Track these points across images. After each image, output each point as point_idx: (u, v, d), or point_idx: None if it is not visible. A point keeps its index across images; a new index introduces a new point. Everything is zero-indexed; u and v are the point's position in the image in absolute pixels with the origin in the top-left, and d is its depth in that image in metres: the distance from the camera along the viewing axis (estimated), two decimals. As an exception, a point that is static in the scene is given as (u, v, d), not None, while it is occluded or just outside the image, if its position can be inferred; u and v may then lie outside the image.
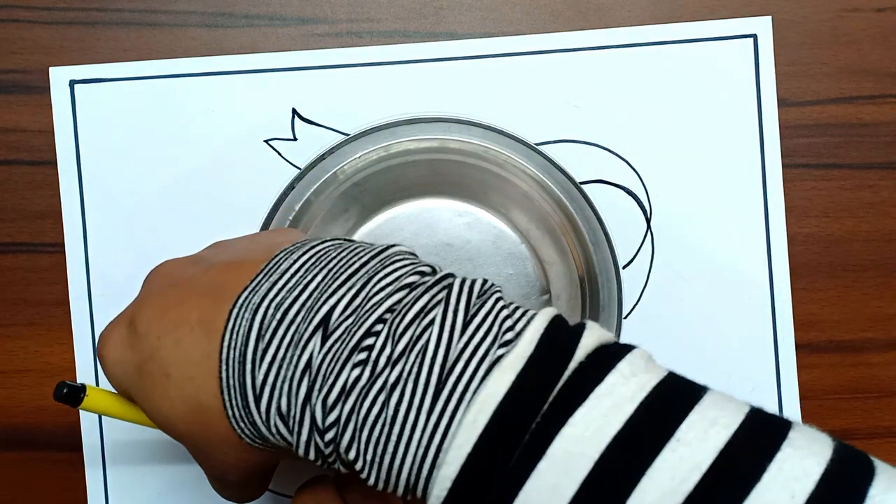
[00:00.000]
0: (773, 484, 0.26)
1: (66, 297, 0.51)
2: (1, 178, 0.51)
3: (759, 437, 0.27)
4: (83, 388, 0.37)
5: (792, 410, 0.45)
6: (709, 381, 0.51)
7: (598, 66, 0.50)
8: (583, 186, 0.50)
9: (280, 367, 0.30)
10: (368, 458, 0.29)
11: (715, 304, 0.50)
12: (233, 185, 0.50)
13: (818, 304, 0.50)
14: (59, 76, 0.50)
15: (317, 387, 0.29)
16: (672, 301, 0.50)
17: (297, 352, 0.29)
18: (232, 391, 0.31)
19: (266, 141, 0.50)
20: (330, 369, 0.29)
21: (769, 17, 0.50)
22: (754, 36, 0.50)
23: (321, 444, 0.30)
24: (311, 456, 0.31)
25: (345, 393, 0.28)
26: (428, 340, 0.28)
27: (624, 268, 0.50)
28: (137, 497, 0.51)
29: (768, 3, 0.50)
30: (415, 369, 0.28)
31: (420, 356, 0.28)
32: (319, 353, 0.29)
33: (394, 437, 0.28)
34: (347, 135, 0.50)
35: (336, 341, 0.29)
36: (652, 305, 0.51)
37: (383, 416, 0.28)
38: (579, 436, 0.27)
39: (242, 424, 0.31)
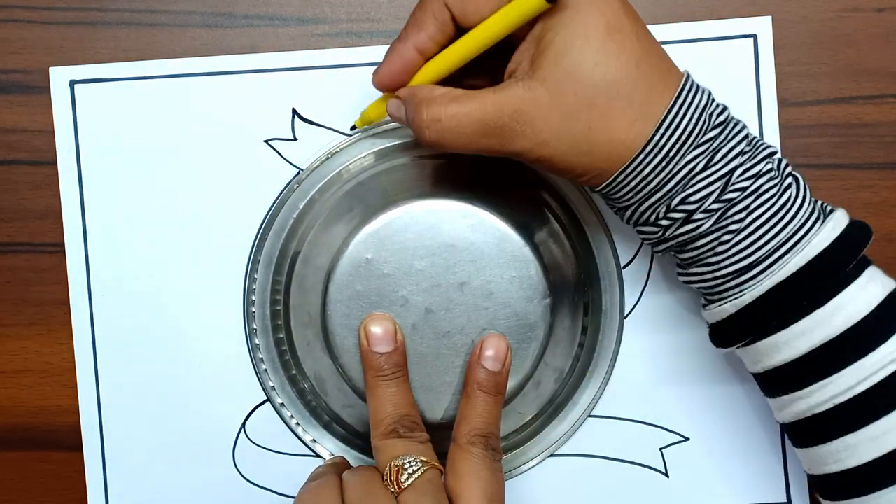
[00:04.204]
0: None
1: (66, 297, 0.51)
2: (1, 178, 0.51)
3: None
4: None
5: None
6: (708, 379, 0.51)
7: (598, 66, 0.50)
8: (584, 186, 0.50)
9: (723, 133, 0.41)
10: (749, 220, 0.40)
11: (715, 303, 0.50)
12: (233, 185, 0.50)
13: (818, 303, 0.50)
14: (59, 76, 0.50)
15: (745, 157, 0.40)
16: (672, 301, 0.50)
17: (730, 135, 0.41)
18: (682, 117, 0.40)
19: (266, 141, 0.50)
20: (752, 156, 0.41)
21: (769, 17, 0.50)
22: (754, 36, 0.50)
23: (712, 194, 0.40)
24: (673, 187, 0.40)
25: (759, 174, 0.40)
26: (802, 181, 0.42)
27: (624, 267, 0.50)
28: (137, 497, 0.51)
29: (768, 3, 0.50)
30: (795, 184, 0.41)
31: (797, 182, 0.42)
32: (743, 144, 0.41)
33: (779, 216, 0.40)
34: (348, 135, 0.50)
35: (748, 149, 0.41)
36: (652, 305, 0.51)
37: (775, 199, 0.40)
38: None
39: (650, 152, 0.40)
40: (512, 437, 0.51)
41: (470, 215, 0.47)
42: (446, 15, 0.41)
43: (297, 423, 0.51)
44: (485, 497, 0.42)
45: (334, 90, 0.50)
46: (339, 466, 0.45)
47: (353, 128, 0.49)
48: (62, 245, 0.51)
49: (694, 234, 0.41)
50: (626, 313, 0.51)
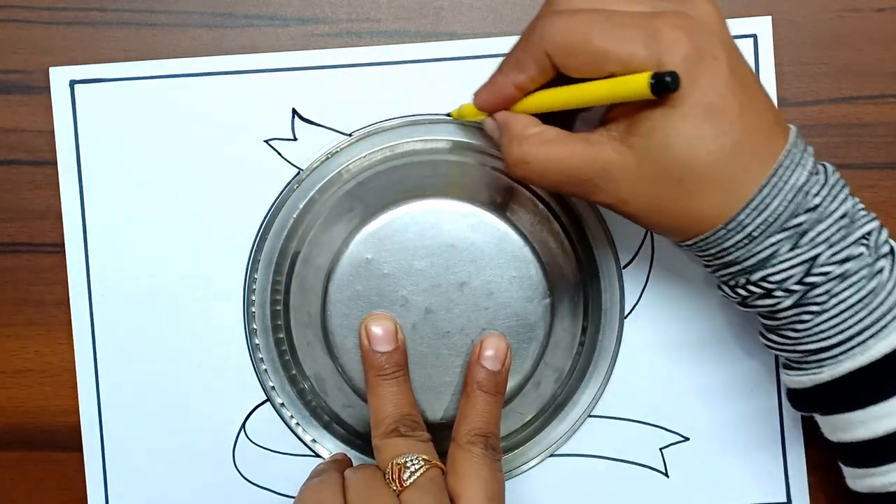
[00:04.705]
0: None
1: (66, 297, 0.51)
2: (1, 178, 0.51)
3: None
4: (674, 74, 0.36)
5: (792, 411, 0.45)
6: (708, 381, 0.51)
7: (598, 66, 0.50)
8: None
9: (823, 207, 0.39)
10: (832, 304, 0.39)
11: (714, 303, 0.50)
12: (233, 185, 0.50)
13: (818, 303, 0.50)
14: (59, 76, 0.50)
15: (836, 238, 0.39)
16: (672, 301, 0.50)
17: (823, 216, 0.39)
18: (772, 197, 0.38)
19: (266, 141, 0.50)
20: (845, 235, 0.39)
21: (769, 17, 0.50)
22: (754, 36, 0.50)
23: (793, 277, 0.39)
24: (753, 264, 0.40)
25: (849, 258, 0.39)
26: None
27: (624, 267, 0.50)
28: (137, 497, 0.51)
29: (768, 3, 0.50)
30: (890, 265, 0.39)
31: (893, 260, 0.40)
32: (837, 224, 0.39)
33: (864, 301, 0.39)
34: (348, 135, 0.50)
35: (842, 228, 0.39)
36: (652, 305, 0.51)
37: (863, 283, 0.39)
38: None
39: (744, 219, 0.39)
40: (512, 437, 0.51)
41: (470, 215, 0.47)
42: (547, 63, 0.40)
43: (297, 423, 0.51)
44: (485, 496, 0.42)
45: (334, 90, 0.50)
46: (341, 464, 0.45)
47: (447, 115, 0.49)
48: (62, 245, 0.51)
49: (773, 308, 0.40)
50: (626, 313, 0.51)
